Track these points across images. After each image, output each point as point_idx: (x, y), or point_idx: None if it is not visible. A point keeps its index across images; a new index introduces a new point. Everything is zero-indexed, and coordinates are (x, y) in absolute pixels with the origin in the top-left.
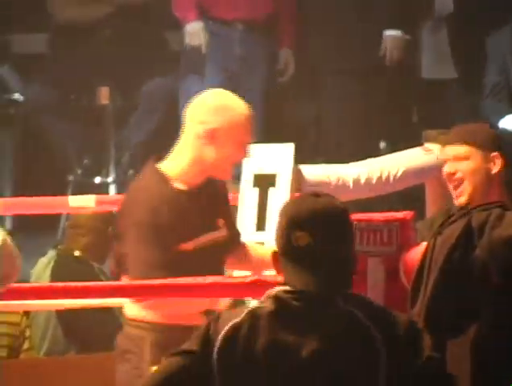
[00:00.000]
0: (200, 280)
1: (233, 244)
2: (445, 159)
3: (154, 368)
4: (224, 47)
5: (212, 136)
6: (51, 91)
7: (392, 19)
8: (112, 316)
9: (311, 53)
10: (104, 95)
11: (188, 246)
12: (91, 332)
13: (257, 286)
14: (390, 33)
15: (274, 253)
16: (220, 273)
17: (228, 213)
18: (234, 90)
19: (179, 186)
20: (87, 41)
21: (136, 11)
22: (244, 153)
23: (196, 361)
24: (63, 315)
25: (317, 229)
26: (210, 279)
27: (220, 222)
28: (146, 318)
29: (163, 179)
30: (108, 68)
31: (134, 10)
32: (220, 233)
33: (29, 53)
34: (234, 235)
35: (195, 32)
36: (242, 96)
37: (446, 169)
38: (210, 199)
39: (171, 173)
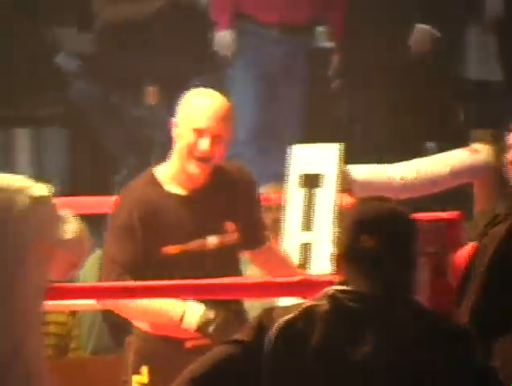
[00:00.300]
0: (245, 280)
1: (250, 245)
2: (509, 145)
3: (137, 378)
4: (261, 48)
5: (175, 127)
6: (98, 90)
7: (428, 17)
8: None
9: (353, 52)
10: (151, 95)
11: (172, 250)
12: None
13: (303, 286)
14: (419, 25)
15: (335, 254)
16: (228, 274)
17: (245, 214)
18: (271, 91)
19: (170, 189)
20: (136, 39)
21: (185, 7)
22: (204, 142)
23: (245, 352)
24: (108, 314)
25: (383, 233)
26: (256, 279)
27: (230, 225)
28: (136, 324)
29: (153, 182)
30: (156, 67)
31: (182, 6)
32: (227, 237)
33: (78, 52)
34: (253, 235)
35: (224, 43)
36: (281, 96)
37: (509, 156)
38: (215, 203)
39: (164, 176)
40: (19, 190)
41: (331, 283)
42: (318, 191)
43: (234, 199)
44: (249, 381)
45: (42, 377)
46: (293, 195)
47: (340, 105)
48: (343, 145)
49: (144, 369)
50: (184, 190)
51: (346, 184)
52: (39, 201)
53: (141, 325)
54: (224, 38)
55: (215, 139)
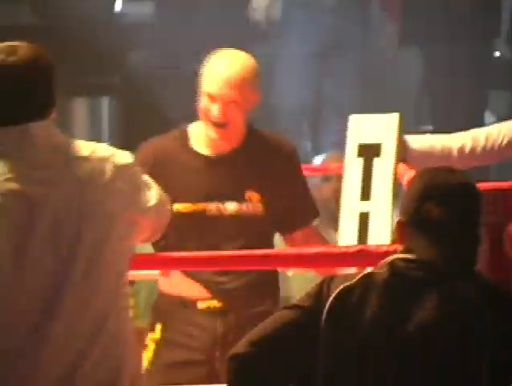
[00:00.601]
0: (302, 250)
1: (278, 227)
2: None
3: (151, 335)
4: (314, 20)
5: (198, 87)
6: (155, 60)
7: None
8: None
9: (410, 25)
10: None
11: (182, 208)
12: None
13: (361, 256)
14: None
15: (400, 222)
16: (249, 246)
17: (275, 189)
18: (325, 62)
19: (196, 147)
20: (193, 9)
21: None
22: (215, 108)
23: (305, 317)
24: None
25: (451, 203)
26: (314, 249)
27: (252, 195)
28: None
29: (181, 137)
30: (212, 37)
31: None
32: (248, 207)
33: (134, 22)
34: (283, 216)
35: (259, 6)
36: (333, 68)
37: None
38: (239, 169)
39: (194, 134)
40: (104, 159)
41: (389, 253)
42: (376, 161)
43: (264, 170)
44: (307, 346)
45: (128, 348)
46: (351, 164)
47: (394, 75)
48: (400, 114)
49: (158, 326)
50: (209, 152)
51: (403, 154)
52: (123, 169)
53: (160, 285)
54: (259, 1)
55: (228, 105)
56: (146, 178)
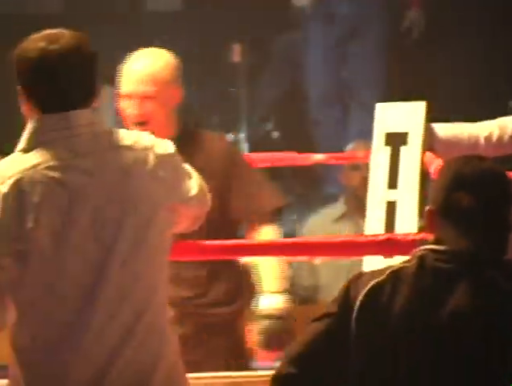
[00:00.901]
0: (328, 238)
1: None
2: None
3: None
4: (336, 6)
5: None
6: (184, 48)
7: None
8: None
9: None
10: (237, 52)
11: None
12: None
13: (388, 244)
14: None
15: (430, 210)
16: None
17: (219, 190)
18: (348, 51)
19: None
20: None
21: None
22: (131, 107)
23: (335, 323)
24: None
25: (482, 192)
26: (342, 237)
27: None
28: None
29: None
30: (241, 25)
31: None
32: None
33: (162, 11)
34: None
35: None
36: (354, 55)
37: None
38: None
39: None
40: (147, 148)
41: (416, 241)
42: (403, 150)
43: (198, 169)
44: (343, 349)
45: (165, 341)
46: (378, 153)
47: (418, 63)
48: (427, 103)
49: None
50: None
51: (430, 142)
52: (166, 158)
53: None
54: None
55: (144, 102)
56: (188, 167)
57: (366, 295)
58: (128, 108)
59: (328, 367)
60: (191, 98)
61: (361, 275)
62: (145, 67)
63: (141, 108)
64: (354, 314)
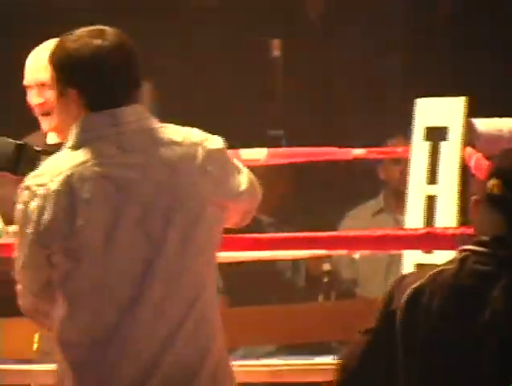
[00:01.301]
0: (367, 232)
1: None
2: None
3: None
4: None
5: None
6: (219, 43)
7: None
8: None
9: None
10: (275, 47)
11: None
12: None
13: (428, 238)
14: None
15: (474, 200)
16: None
17: None
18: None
19: (49, 141)
20: None
21: None
22: (32, 97)
23: (381, 335)
24: None
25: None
26: (381, 231)
27: None
28: None
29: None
30: (279, 20)
31: None
32: None
33: (197, 6)
34: None
35: None
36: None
37: None
38: None
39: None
40: (196, 144)
41: (455, 236)
42: (443, 144)
43: None
44: (392, 355)
45: (213, 335)
46: (418, 148)
47: (463, 59)
48: (468, 98)
49: None
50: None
51: (471, 137)
52: (214, 153)
53: None
54: None
55: (43, 88)
56: (237, 162)
57: (406, 301)
58: (30, 98)
59: (378, 373)
60: (230, 95)
61: (403, 278)
62: (41, 56)
63: (40, 94)
64: (398, 320)
